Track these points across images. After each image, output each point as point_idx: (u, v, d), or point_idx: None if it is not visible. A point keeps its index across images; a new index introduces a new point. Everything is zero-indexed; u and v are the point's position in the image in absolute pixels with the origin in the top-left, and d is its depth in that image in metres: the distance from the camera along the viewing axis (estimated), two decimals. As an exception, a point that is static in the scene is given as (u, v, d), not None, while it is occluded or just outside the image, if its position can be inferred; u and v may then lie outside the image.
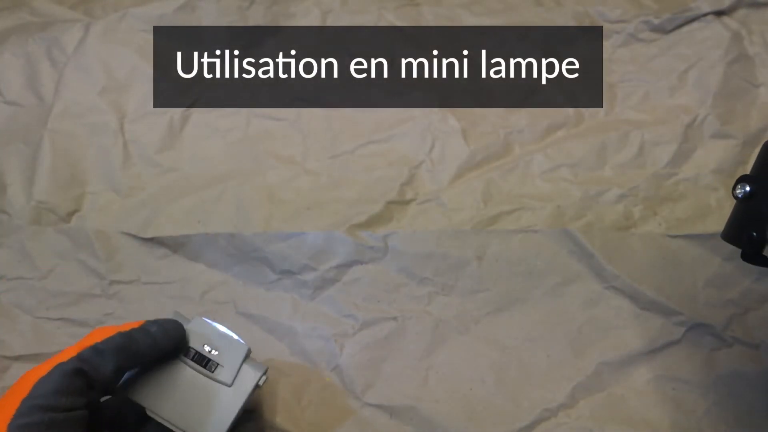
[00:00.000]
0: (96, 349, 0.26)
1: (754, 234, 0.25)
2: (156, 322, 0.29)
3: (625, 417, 0.34)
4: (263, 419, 0.34)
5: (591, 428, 0.33)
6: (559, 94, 0.43)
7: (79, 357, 0.25)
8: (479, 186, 0.40)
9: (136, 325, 0.28)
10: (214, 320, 0.31)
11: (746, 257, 0.26)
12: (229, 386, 0.29)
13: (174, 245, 0.39)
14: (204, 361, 0.29)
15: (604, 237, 0.37)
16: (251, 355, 0.31)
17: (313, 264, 0.38)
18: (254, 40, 0.47)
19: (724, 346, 0.35)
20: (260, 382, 0.30)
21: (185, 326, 0.30)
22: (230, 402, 0.29)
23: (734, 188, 0.26)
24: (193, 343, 0.30)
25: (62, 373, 0.24)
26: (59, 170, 0.41)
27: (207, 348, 0.30)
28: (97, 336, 0.26)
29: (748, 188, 0.26)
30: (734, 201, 0.27)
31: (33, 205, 0.40)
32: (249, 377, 0.29)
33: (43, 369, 0.24)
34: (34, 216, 0.40)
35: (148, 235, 0.39)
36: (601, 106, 0.43)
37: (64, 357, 0.25)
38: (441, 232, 0.38)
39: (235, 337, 0.31)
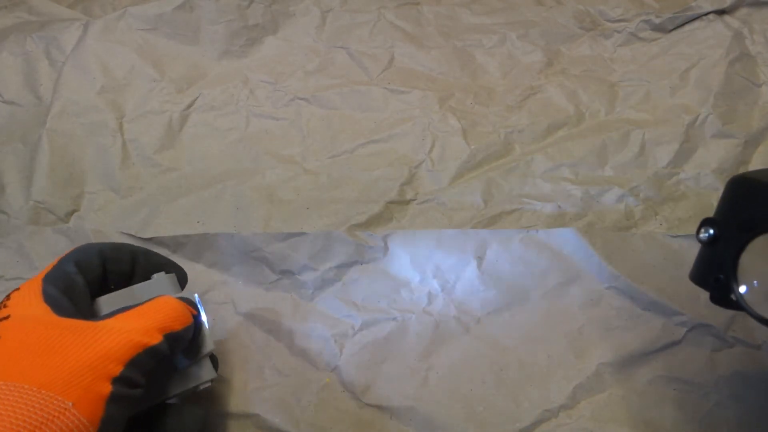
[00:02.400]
0: (177, 337, 0.25)
1: (721, 277, 0.24)
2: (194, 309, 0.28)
3: (626, 418, 0.33)
4: (260, 419, 0.34)
5: (592, 429, 0.33)
6: (560, 93, 0.43)
7: (168, 342, 0.25)
8: (479, 186, 0.40)
9: (188, 312, 0.27)
10: (207, 312, 0.30)
11: (715, 300, 0.25)
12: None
13: (173, 245, 0.39)
14: None
15: (605, 237, 0.37)
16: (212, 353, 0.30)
17: (313, 264, 0.38)
18: (253, 39, 0.47)
19: (726, 347, 0.35)
20: (201, 386, 0.29)
21: (175, 295, 0.29)
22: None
23: (698, 232, 0.26)
24: None
25: (153, 354, 0.24)
26: (58, 170, 0.40)
27: None
28: (171, 311, 0.26)
29: (711, 231, 0.25)
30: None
31: (31, 205, 0.40)
32: (196, 375, 0.28)
33: (134, 334, 0.23)
34: (33, 216, 0.39)
35: (147, 235, 0.39)
36: (602, 105, 0.43)
37: (151, 329, 0.24)
38: (441, 232, 0.38)
39: (208, 333, 0.30)
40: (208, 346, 0.29)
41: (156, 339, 0.24)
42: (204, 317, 0.29)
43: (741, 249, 0.23)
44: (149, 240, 0.39)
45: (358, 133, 0.42)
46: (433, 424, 0.34)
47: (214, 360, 0.30)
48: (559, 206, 0.39)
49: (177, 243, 0.39)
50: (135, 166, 0.41)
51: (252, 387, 0.35)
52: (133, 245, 0.30)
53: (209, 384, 0.29)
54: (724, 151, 0.40)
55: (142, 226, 0.39)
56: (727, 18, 0.44)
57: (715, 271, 0.25)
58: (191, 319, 0.27)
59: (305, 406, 0.34)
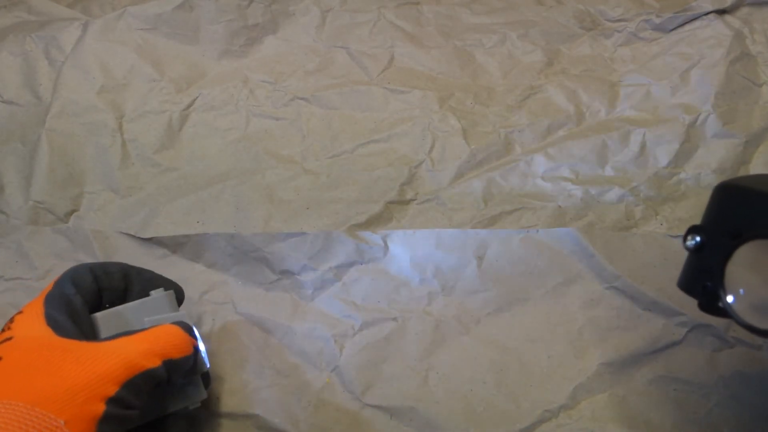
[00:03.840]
0: (176, 366, 0.26)
1: (708, 285, 0.24)
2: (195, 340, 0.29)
3: (626, 418, 0.33)
4: (260, 419, 0.34)
5: (592, 429, 0.33)
6: (560, 93, 0.43)
7: (166, 368, 0.25)
8: (479, 186, 0.40)
9: (190, 343, 0.28)
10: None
11: (703, 308, 0.25)
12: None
13: (173, 245, 0.39)
14: None
15: (605, 237, 0.37)
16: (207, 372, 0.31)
17: (313, 264, 0.38)
18: (253, 39, 0.46)
19: (726, 347, 0.35)
20: (191, 406, 0.29)
21: (171, 314, 0.30)
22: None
23: (685, 239, 0.26)
24: None
25: (149, 377, 0.24)
26: (57, 170, 0.40)
27: None
28: (173, 340, 0.26)
29: (698, 239, 0.25)
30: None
31: (31, 205, 0.40)
32: (187, 396, 0.29)
33: (133, 356, 0.24)
34: (32, 216, 0.39)
35: (147, 235, 0.39)
36: (602, 105, 0.43)
37: (150, 353, 0.25)
38: (441, 232, 0.38)
39: (204, 353, 0.30)
40: (201, 368, 0.29)
41: (154, 363, 0.25)
42: (200, 343, 0.29)
43: (728, 256, 0.23)
44: (149, 240, 0.39)
45: (358, 133, 0.42)
46: (433, 424, 0.34)
47: (206, 378, 0.31)
48: (559, 206, 0.39)
49: (177, 243, 0.39)
50: (134, 166, 0.41)
51: (252, 387, 0.35)
52: (123, 263, 0.31)
53: (198, 404, 0.30)
54: (724, 150, 0.40)
55: (142, 226, 0.39)
56: (727, 18, 0.44)
57: (703, 279, 0.25)
58: (191, 350, 0.27)
59: (305, 406, 0.34)
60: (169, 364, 0.25)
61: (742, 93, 0.42)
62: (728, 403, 0.33)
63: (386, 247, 0.38)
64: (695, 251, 0.25)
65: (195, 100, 0.43)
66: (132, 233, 0.39)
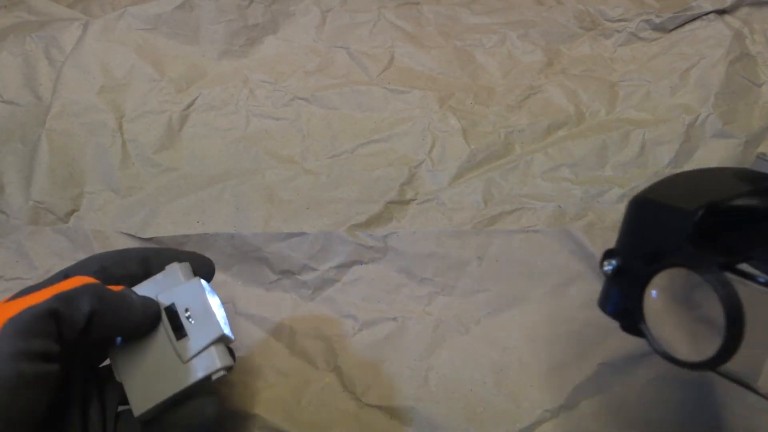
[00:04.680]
0: (70, 294, 0.24)
1: (627, 308, 0.24)
2: (138, 296, 0.27)
3: (626, 418, 0.33)
4: (260, 419, 0.34)
5: (592, 429, 0.33)
6: (560, 93, 0.43)
7: (55, 298, 0.23)
8: (479, 186, 0.40)
9: (85, 279, 0.25)
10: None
11: (626, 329, 0.25)
12: (183, 363, 0.26)
13: (173, 245, 0.39)
14: (176, 324, 0.26)
15: (606, 237, 0.37)
16: (231, 345, 0.28)
17: (313, 264, 0.38)
18: (253, 39, 0.46)
19: (726, 347, 0.35)
20: (213, 376, 0.26)
21: (183, 282, 0.27)
22: (171, 382, 0.25)
23: (601, 264, 0.25)
24: (177, 300, 0.27)
25: (34, 315, 0.22)
26: (57, 170, 0.40)
27: (187, 313, 0.26)
28: (72, 282, 0.24)
29: (614, 263, 0.24)
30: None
31: (31, 205, 0.40)
32: (205, 364, 0.26)
33: (12, 309, 0.22)
34: (32, 216, 0.39)
35: (147, 236, 0.39)
36: (602, 105, 0.43)
37: (37, 300, 0.23)
38: (441, 232, 0.38)
39: (221, 317, 0.27)
40: (215, 330, 0.26)
41: (40, 298, 0.22)
42: (211, 301, 0.27)
43: (645, 283, 0.22)
44: (149, 240, 0.39)
45: (358, 133, 0.42)
46: (433, 424, 0.34)
47: (231, 351, 0.28)
48: (559, 206, 0.39)
49: (177, 243, 0.39)
50: (135, 166, 0.41)
51: (252, 387, 0.35)
52: (143, 248, 0.29)
53: (223, 373, 0.26)
54: (724, 151, 0.40)
55: (142, 226, 0.39)
56: (727, 18, 0.44)
57: (622, 303, 0.24)
58: (83, 281, 0.24)
59: (305, 406, 0.34)
60: (62, 296, 0.23)
61: (742, 93, 0.42)
62: (729, 402, 0.33)
63: (386, 247, 0.38)
64: (613, 276, 0.24)
65: (195, 100, 0.43)
66: (132, 233, 0.39)
